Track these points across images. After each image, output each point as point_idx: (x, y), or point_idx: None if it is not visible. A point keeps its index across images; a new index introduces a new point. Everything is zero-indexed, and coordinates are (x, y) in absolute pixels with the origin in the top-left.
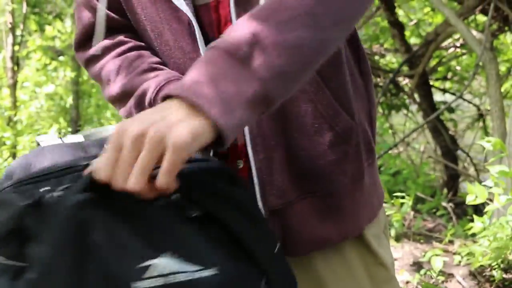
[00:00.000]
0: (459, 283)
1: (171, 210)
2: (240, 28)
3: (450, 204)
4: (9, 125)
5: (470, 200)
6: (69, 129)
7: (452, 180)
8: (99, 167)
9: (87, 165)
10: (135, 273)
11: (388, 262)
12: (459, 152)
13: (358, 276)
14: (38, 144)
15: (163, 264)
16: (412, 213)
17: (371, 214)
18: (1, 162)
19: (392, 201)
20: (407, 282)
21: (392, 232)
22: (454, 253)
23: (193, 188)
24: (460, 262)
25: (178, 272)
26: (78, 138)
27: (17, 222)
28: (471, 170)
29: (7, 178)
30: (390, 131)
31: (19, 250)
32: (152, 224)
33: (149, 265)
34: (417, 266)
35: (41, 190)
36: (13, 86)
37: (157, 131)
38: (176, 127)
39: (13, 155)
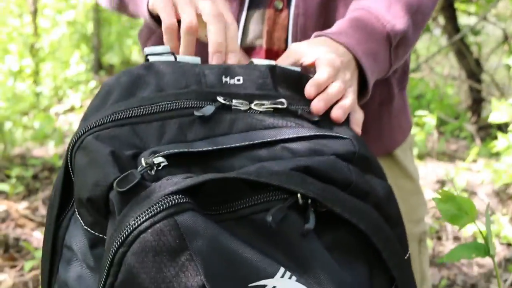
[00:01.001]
0: (482, 200)
1: (290, 218)
2: (400, 14)
3: (474, 126)
4: (31, 52)
5: (494, 117)
6: (92, 56)
7: (476, 103)
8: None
9: (197, 108)
10: None
11: (414, 175)
12: (484, 76)
13: None
14: (147, 59)
15: (280, 285)
16: (435, 134)
17: (401, 136)
18: (24, 89)
19: (416, 120)
20: (430, 200)
21: (415, 151)
22: (478, 172)
23: (321, 181)
24: (483, 181)
25: None
26: (194, 59)
27: (102, 194)
28: (496, 93)
29: (103, 96)
30: (413, 54)
31: (96, 219)
32: (266, 234)
33: (265, 286)
34: (440, 184)
35: (139, 169)
36: (34, 14)
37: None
38: (358, 107)
39: (35, 83)
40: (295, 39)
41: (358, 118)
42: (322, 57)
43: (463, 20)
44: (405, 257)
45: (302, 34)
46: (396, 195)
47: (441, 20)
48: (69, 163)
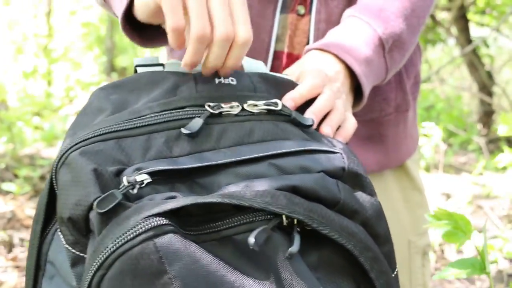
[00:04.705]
0: (487, 214)
1: (274, 240)
2: (391, 18)
3: (483, 139)
4: (45, 53)
5: (502, 131)
6: (105, 58)
7: (486, 116)
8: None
9: (185, 119)
10: None
11: (422, 187)
12: (495, 89)
13: (393, 199)
14: (136, 71)
15: None
16: (443, 146)
17: (413, 147)
18: (36, 90)
19: (423, 131)
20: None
21: (423, 163)
22: (484, 185)
23: (309, 202)
24: (489, 194)
25: None
26: (184, 70)
27: (83, 214)
28: (507, 106)
29: (93, 113)
30: (425, 65)
31: (77, 238)
32: (249, 255)
33: None
34: (446, 196)
35: (120, 188)
36: (48, 15)
37: (341, 113)
38: (349, 116)
39: (49, 83)
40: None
41: (348, 128)
42: (305, 72)
43: (477, 32)
44: (393, 275)
45: None
46: (404, 207)
47: (454, 31)
48: (53, 179)
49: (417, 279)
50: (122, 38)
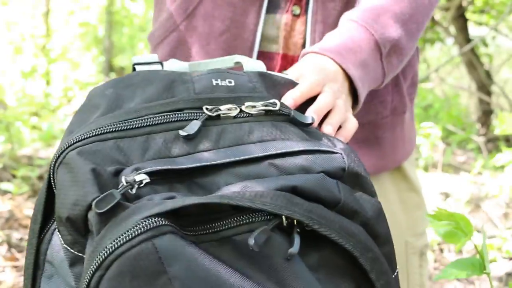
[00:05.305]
0: (486, 213)
1: (274, 241)
2: (389, 23)
3: (482, 138)
4: (43, 53)
5: (499, 130)
6: (103, 58)
7: (485, 115)
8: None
9: (183, 120)
10: None
11: (419, 188)
12: (494, 88)
13: (390, 200)
14: (134, 68)
15: None
16: (442, 145)
17: (410, 148)
18: (34, 90)
19: (422, 131)
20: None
21: (421, 162)
22: (482, 185)
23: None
24: (487, 194)
25: None
26: (182, 65)
27: (81, 214)
28: (505, 105)
29: (89, 109)
30: (424, 64)
31: (75, 238)
32: (249, 256)
33: None
34: (444, 196)
35: (119, 188)
36: (46, 15)
37: (342, 113)
38: (350, 117)
39: (47, 83)
40: (313, 45)
41: (349, 128)
42: (305, 72)
43: (475, 31)
44: (393, 276)
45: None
46: (401, 209)
47: (453, 30)
48: (51, 178)
49: (414, 280)
50: (120, 38)
